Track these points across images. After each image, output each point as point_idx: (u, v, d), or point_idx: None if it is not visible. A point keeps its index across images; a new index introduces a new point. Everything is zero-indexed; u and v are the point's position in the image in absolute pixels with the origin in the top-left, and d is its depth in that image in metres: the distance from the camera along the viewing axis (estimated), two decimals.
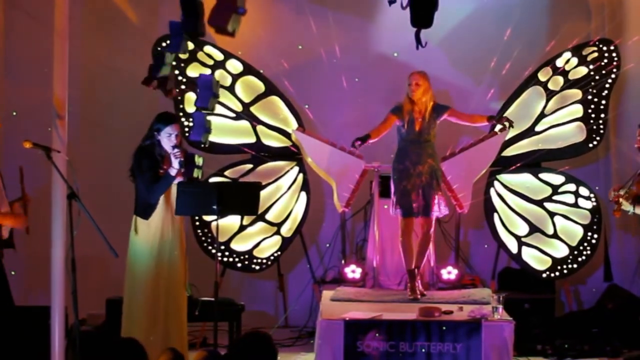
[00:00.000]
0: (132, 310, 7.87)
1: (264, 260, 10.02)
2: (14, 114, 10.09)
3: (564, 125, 10.09)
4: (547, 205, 10.03)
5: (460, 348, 7.63)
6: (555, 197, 10.04)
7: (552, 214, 10.00)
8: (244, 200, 7.91)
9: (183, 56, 9.62)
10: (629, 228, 10.21)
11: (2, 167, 7.49)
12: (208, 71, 9.83)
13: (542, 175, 10.10)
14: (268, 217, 10.01)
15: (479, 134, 9.78)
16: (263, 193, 9.53)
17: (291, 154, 10.07)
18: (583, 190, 10.02)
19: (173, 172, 7.75)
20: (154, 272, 7.83)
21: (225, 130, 9.94)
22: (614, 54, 10.01)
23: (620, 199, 8.49)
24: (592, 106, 10.04)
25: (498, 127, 9.40)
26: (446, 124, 9.19)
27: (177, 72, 9.79)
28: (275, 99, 10.10)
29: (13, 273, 9.56)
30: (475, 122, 9.34)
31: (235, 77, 10.04)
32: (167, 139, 7.82)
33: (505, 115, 9.77)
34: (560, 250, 9.97)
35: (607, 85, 10.02)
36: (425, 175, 8.90)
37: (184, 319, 7.97)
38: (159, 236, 7.86)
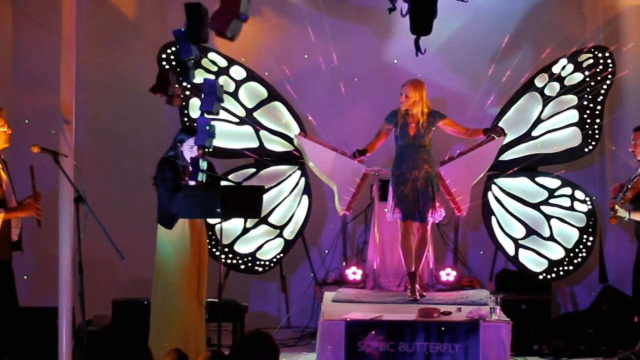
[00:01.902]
0: (164, 316, 7.94)
1: (267, 262, 10.03)
2: (27, 121, 10.11)
3: (560, 130, 10.10)
4: (543, 208, 10.03)
5: (459, 348, 7.63)
6: (551, 201, 10.04)
7: (548, 217, 10.01)
8: (247, 203, 7.91)
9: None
10: (624, 231, 10.20)
11: (11, 171, 7.51)
12: (212, 77, 9.84)
13: (539, 179, 10.10)
14: (271, 220, 10.01)
15: (473, 140, 9.76)
16: (266, 196, 9.53)
17: (293, 158, 10.08)
18: (579, 194, 10.02)
19: (192, 183, 7.80)
20: (184, 279, 7.88)
21: (229, 135, 9.94)
22: (608, 61, 10.02)
23: (616, 206, 8.50)
24: (588, 111, 10.05)
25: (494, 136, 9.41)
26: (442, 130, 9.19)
27: (180, 78, 9.80)
28: (277, 104, 10.11)
29: (25, 277, 9.63)
30: (472, 135, 9.34)
31: (239, 83, 10.06)
32: (189, 150, 7.93)
33: (502, 120, 9.82)
34: (556, 253, 9.97)
35: (602, 91, 10.03)
36: (421, 181, 8.89)
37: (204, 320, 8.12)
38: (183, 243, 7.91)
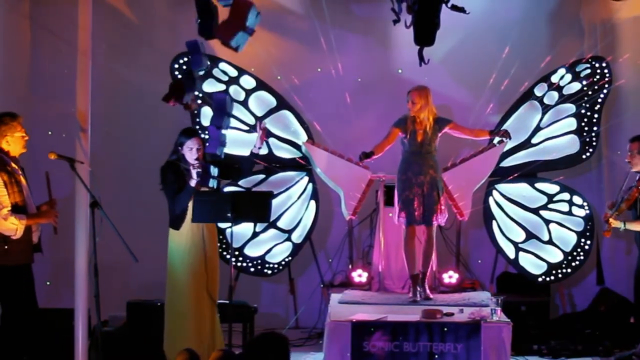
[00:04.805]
0: (175, 317, 7.94)
1: (276, 265, 10.04)
2: (50, 133, 10.15)
3: (558, 137, 10.09)
4: (542, 213, 10.02)
5: (461, 348, 7.63)
6: (550, 206, 10.04)
7: (547, 222, 10.00)
8: (257, 208, 7.93)
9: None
10: (619, 234, 10.18)
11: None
12: (223, 87, 9.88)
13: (538, 185, 10.10)
14: (279, 224, 10.02)
15: (478, 146, 9.80)
16: (275, 201, 9.54)
17: (301, 165, 10.09)
18: (577, 199, 10.02)
19: (193, 183, 7.83)
20: (192, 280, 7.90)
21: (239, 142, 9.93)
22: (605, 71, 10.02)
23: (610, 219, 8.51)
24: (586, 120, 10.05)
25: (497, 139, 9.37)
26: (448, 136, 9.18)
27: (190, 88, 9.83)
28: (286, 113, 10.13)
29: (48, 283, 9.66)
30: (478, 136, 9.34)
31: (249, 92, 10.07)
32: (189, 152, 7.94)
33: (503, 128, 9.80)
34: (555, 256, 9.97)
35: (600, 100, 10.03)
36: (427, 185, 8.88)
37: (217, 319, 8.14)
38: (189, 245, 7.93)
